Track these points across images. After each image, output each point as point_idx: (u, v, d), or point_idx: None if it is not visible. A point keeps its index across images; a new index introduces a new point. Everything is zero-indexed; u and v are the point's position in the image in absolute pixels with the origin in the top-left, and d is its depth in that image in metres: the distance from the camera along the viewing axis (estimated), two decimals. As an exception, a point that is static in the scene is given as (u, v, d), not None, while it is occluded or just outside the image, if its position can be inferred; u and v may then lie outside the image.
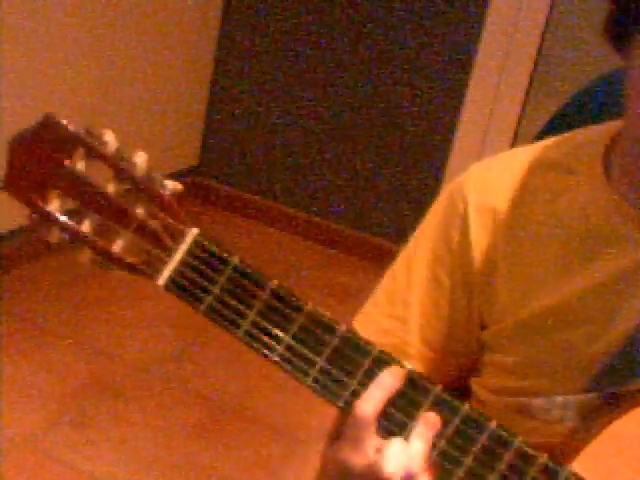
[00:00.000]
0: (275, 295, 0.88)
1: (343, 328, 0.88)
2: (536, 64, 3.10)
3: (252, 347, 0.89)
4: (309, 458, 2.40)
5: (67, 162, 0.88)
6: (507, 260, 0.98)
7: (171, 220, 0.88)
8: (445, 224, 1.02)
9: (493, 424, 0.88)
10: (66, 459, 2.23)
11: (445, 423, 0.88)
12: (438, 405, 0.88)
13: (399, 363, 0.88)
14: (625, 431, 0.89)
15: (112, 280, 2.94)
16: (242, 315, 0.89)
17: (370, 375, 0.88)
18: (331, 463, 0.92)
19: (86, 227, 0.89)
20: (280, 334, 0.89)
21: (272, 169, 3.50)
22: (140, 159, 0.88)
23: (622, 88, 0.91)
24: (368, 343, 0.89)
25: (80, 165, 0.88)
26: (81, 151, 0.88)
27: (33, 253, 2.93)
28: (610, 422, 0.89)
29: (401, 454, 0.86)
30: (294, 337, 0.88)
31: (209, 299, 0.89)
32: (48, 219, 0.89)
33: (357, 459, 0.87)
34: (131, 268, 0.89)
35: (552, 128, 1.14)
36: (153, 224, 0.88)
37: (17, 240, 2.85)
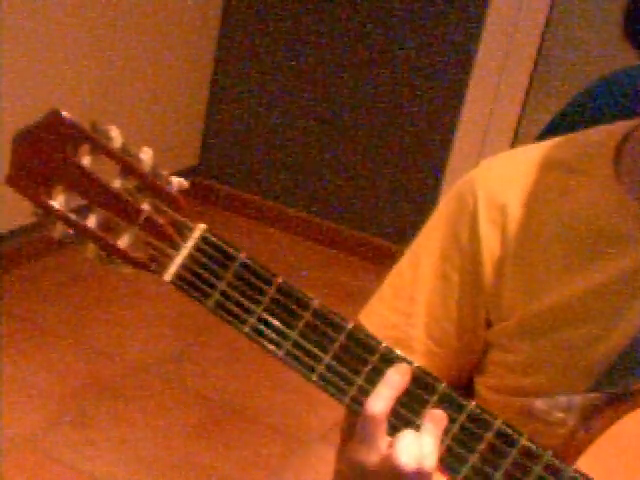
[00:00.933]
0: (282, 291, 0.88)
1: (350, 325, 0.88)
2: (536, 64, 3.10)
3: (258, 343, 0.89)
4: (309, 458, 2.40)
5: (73, 157, 0.88)
6: (514, 257, 0.98)
7: (178, 216, 0.88)
8: (454, 220, 1.02)
9: (499, 422, 0.88)
10: (66, 459, 2.23)
11: (451, 421, 0.88)
12: (444, 402, 0.88)
13: (405, 360, 0.88)
14: (627, 431, 0.89)
15: (112, 280, 2.94)
16: (249, 311, 0.88)
17: (377, 372, 0.88)
18: (346, 463, 0.92)
19: (91, 222, 0.88)
20: (287, 330, 0.88)
21: (272, 169, 3.50)
22: (146, 155, 0.88)
23: (622, 89, 0.91)
24: (375, 340, 0.88)
25: (86, 160, 0.88)
26: (87, 146, 0.87)
27: (33, 253, 2.93)
28: (612, 422, 0.89)
29: (413, 444, 0.86)
30: (301, 333, 0.88)
31: (216, 295, 0.88)
32: (53, 214, 0.88)
33: (371, 457, 0.87)
34: (137, 263, 0.89)
35: (553, 129, 1.14)
36: (160, 219, 0.88)
37: (17, 240, 2.84)
